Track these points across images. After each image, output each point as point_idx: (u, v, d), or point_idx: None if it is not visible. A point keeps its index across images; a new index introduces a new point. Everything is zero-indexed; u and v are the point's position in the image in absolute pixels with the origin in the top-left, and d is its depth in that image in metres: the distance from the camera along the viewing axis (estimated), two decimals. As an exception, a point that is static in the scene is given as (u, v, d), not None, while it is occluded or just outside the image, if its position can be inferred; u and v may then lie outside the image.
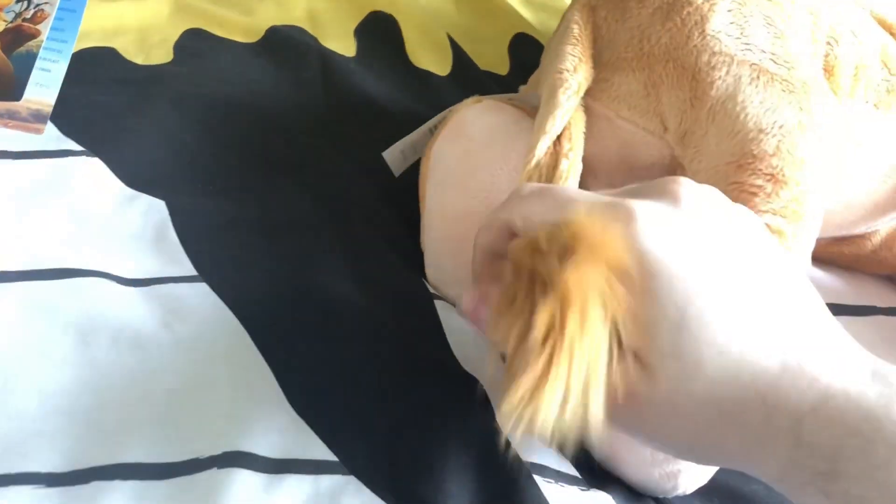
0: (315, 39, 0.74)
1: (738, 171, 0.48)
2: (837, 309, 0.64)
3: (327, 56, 0.72)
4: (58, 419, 0.43)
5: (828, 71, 0.54)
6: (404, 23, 0.79)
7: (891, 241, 0.66)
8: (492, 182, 0.52)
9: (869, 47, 0.56)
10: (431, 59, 0.76)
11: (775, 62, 0.50)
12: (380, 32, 0.78)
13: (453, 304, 0.53)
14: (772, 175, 0.48)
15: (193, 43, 0.70)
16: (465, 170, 0.54)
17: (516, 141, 0.52)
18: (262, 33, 0.73)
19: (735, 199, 0.48)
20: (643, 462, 0.46)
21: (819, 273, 0.67)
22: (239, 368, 0.46)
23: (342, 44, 0.76)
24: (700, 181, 0.50)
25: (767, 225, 0.47)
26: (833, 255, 0.67)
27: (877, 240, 0.66)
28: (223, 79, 0.67)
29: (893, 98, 0.56)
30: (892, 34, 0.59)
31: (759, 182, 0.48)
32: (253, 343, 0.47)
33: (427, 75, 0.74)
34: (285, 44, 0.73)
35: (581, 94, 0.51)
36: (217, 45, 0.71)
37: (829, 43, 0.54)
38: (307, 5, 0.79)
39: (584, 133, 0.51)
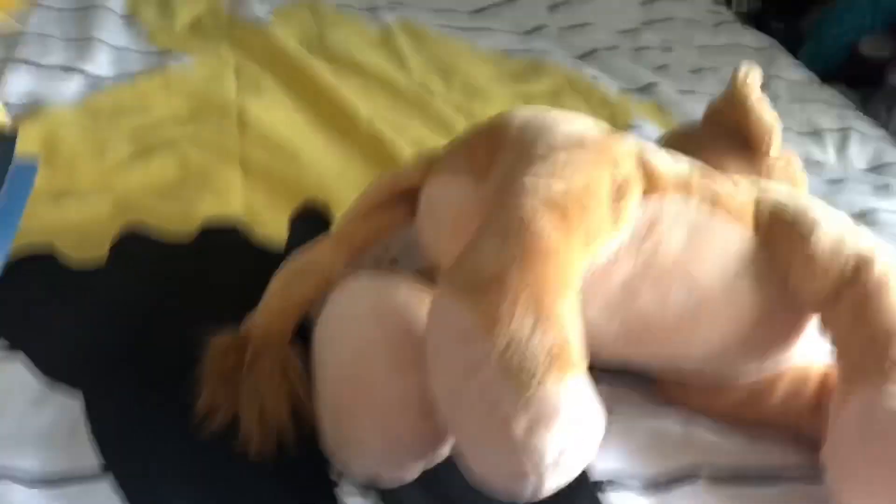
0: (248, 234, 0.79)
1: None
2: (740, 482, 0.65)
3: (258, 253, 0.77)
4: None
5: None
6: (338, 209, 0.84)
7: (791, 397, 0.69)
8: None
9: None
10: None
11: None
12: (312, 220, 0.83)
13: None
14: None
15: (129, 246, 0.74)
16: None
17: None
18: (196, 232, 0.77)
19: None
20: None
21: (721, 440, 0.68)
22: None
23: (276, 234, 0.80)
24: None
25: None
26: (739, 416, 0.69)
27: (777, 398, 0.69)
28: (154, 281, 0.71)
29: (719, 210, 0.64)
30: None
31: None
32: None
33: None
34: (217, 243, 0.77)
35: None
36: (151, 247, 0.75)
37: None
38: (245, 197, 0.84)
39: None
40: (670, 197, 0.63)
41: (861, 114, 1.57)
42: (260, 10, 1.28)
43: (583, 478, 0.61)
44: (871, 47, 2.26)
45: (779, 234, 0.65)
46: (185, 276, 0.73)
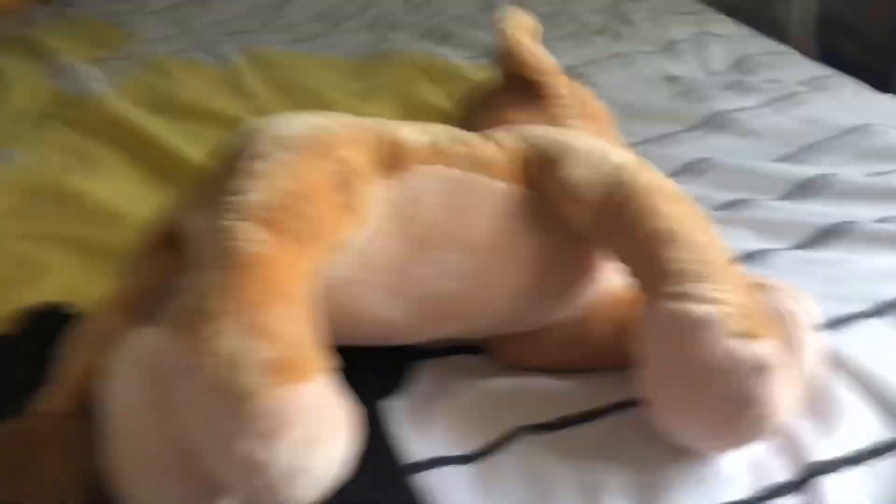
0: (69, 312, 0.78)
1: None
2: (567, 424, 0.64)
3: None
4: None
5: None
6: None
7: (610, 332, 0.68)
8: None
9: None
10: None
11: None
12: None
13: None
14: None
15: None
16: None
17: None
18: (20, 321, 0.77)
19: None
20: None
21: (550, 389, 0.67)
22: None
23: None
24: None
25: None
26: (571, 357, 0.69)
27: (598, 336, 0.68)
28: None
29: (478, 171, 0.63)
30: None
31: None
32: None
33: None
34: (36, 327, 0.76)
35: None
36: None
37: None
38: (66, 278, 0.84)
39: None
40: (424, 170, 0.63)
41: (725, 16, 1.56)
42: (101, 82, 1.27)
43: (394, 462, 0.61)
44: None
45: (542, 178, 0.64)
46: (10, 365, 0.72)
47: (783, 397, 0.56)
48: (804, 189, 0.94)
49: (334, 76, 1.34)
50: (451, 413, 0.65)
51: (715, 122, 1.11)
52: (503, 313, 0.65)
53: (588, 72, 1.34)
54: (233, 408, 0.46)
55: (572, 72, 1.35)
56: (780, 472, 0.58)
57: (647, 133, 1.12)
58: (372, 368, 0.69)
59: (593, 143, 0.66)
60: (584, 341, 0.69)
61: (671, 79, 1.30)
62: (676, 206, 0.62)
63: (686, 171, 1.01)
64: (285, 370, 0.48)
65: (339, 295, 0.61)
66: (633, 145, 1.10)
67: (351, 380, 0.69)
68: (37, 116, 1.20)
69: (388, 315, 0.62)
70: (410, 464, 0.61)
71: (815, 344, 0.63)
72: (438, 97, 1.24)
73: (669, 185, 0.64)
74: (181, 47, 1.44)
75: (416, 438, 0.63)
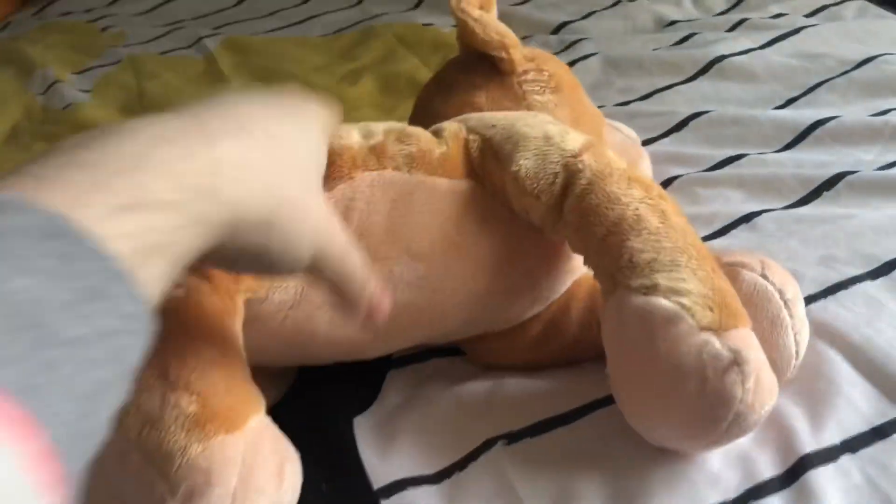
0: None
1: None
2: (546, 427, 0.60)
3: None
4: None
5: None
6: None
7: (586, 322, 0.64)
8: None
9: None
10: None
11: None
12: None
13: None
14: None
15: None
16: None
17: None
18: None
19: None
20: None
21: (528, 392, 0.64)
22: None
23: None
24: None
25: None
26: (547, 353, 0.65)
27: (573, 328, 0.64)
28: None
29: (418, 170, 0.59)
30: None
31: None
32: None
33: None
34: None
35: None
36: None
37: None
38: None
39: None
40: (361, 176, 0.59)
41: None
42: (76, 90, 1.26)
43: (363, 489, 0.58)
44: None
45: (489, 170, 0.60)
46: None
47: (764, 390, 0.52)
48: (805, 137, 0.88)
49: (320, 58, 1.30)
50: (422, 428, 0.62)
51: (715, 70, 1.05)
52: (466, 317, 0.62)
53: (584, 26, 1.28)
54: (162, 467, 0.44)
55: (568, 27, 1.29)
56: (768, 468, 0.55)
57: (642, 88, 1.06)
58: (348, 382, 0.66)
59: (548, 128, 0.61)
60: (562, 334, 0.65)
61: (670, 24, 1.23)
62: (639, 192, 0.57)
63: (682, 127, 0.95)
64: (210, 422, 0.45)
65: (290, 319, 0.58)
66: (627, 104, 1.04)
67: (326, 396, 0.67)
68: (22, 137, 1.19)
69: (342, 333, 0.60)
70: (382, 488, 0.58)
71: (800, 321, 0.58)
72: (425, 73, 1.19)
73: (630, 169, 0.59)
74: (167, 46, 1.41)
75: (384, 459, 0.60)
